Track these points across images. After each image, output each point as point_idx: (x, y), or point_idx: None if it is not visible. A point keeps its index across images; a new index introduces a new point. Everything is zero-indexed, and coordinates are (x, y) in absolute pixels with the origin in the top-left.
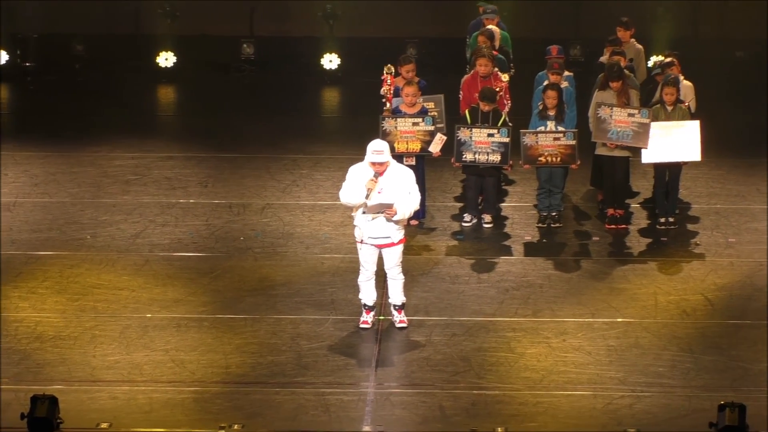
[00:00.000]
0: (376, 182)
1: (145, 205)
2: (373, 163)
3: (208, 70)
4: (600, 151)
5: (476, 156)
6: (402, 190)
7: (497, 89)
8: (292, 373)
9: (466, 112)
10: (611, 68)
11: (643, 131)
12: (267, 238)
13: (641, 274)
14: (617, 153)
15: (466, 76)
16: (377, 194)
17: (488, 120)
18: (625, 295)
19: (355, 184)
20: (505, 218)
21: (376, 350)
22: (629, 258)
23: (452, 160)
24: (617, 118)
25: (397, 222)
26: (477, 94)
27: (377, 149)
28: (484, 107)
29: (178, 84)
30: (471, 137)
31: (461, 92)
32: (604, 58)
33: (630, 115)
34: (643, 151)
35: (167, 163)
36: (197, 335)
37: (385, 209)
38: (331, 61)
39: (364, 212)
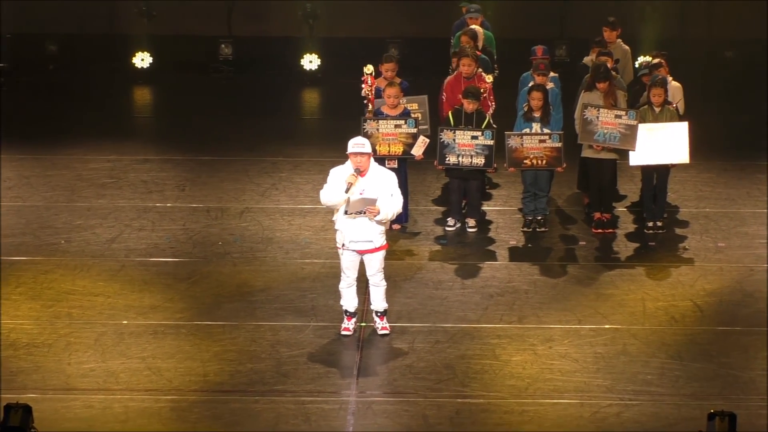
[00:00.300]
0: (357, 177)
1: (120, 209)
2: (355, 155)
3: (185, 70)
4: (586, 153)
5: (460, 159)
6: (384, 192)
7: (481, 90)
8: (271, 381)
9: (449, 113)
10: (598, 69)
11: (630, 133)
12: (246, 242)
13: (629, 279)
14: (604, 155)
15: (449, 77)
16: (359, 195)
17: (472, 122)
18: (613, 301)
19: (336, 184)
20: (490, 222)
21: (358, 358)
22: (616, 263)
23: (435, 162)
24: (604, 120)
25: (379, 222)
26: (460, 95)
27: (359, 142)
28: (469, 106)
29: (154, 85)
30: (454, 140)
31: (444, 93)
32: (588, 59)
33: (617, 116)
34: (630, 153)
35: (143, 166)
36: (174, 342)
37: (367, 207)
38: (311, 61)
39: (346, 211)
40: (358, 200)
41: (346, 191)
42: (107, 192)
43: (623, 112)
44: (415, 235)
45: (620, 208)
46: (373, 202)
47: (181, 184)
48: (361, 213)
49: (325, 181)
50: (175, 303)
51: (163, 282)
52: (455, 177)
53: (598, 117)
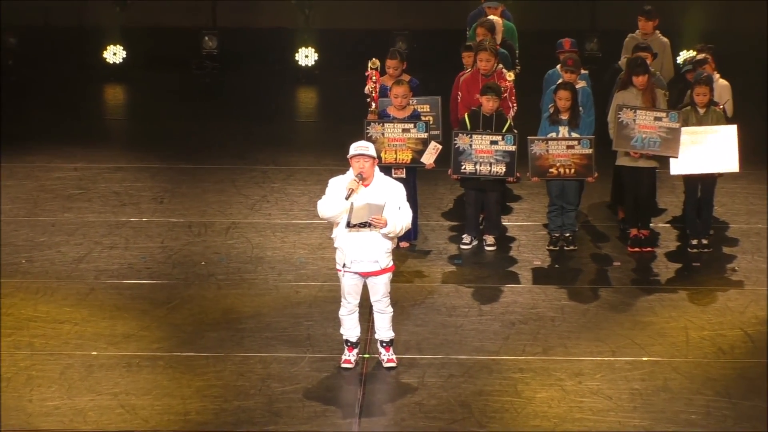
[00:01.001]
0: (359, 185)
1: (89, 224)
2: (357, 159)
3: (163, 67)
4: (622, 161)
5: (477, 167)
6: (391, 205)
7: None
8: (261, 420)
9: (465, 116)
10: (634, 62)
11: (672, 138)
12: (232, 262)
13: (670, 305)
14: (642, 163)
15: (464, 74)
16: (365, 201)
17: (491, 125)
18: (652, 329)
19: (336, 194)
20: (511, 240)
21: (361, 394)
22: (656, 287)
23: (449, 171)
24: (642, 123)
25: (386, 236)
26: (478, 95)
27: (362, 144)
28: (488, 104)
29: (128, 83)
30: (471, 145)
31: (459, 93)
32: (623, 62)
33: (657, 119)
34: (671, 160)
35: (116, 175)
36: (151, 376)
37: (373, 217)
38: (306, 56)
39: (348, 223)
40: (362, 207)
41: (347, 198)
42: (74, 205)
43: (664, 114)
44: (426, 254)
45: (660, 224)
46: (380, 209)
47: (159, 196)
48: (365, 225)
49: (323, 192)
50: (151, 331)
51: (138, 307)
52: (471, 188)
53: (635, 119)
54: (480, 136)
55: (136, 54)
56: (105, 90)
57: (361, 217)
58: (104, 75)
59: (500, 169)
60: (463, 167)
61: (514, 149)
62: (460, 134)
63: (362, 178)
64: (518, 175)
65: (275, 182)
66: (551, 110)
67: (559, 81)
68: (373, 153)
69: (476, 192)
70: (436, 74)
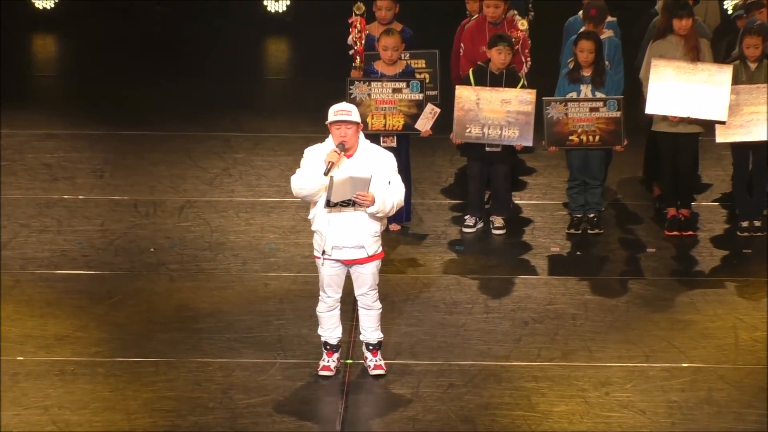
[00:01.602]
0: (341, 156)
1: (14, 202)
2: (338, 126)
3: (103, 13)
4: (659, 126)
5: (485, 130)
6: (380, 179)
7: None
8: None
9: (470, 72)
10: (676, 3)
11: (719, 98)
12: (187, 249)
13: (715, 300)
14: (683, 129)
15: (468, 23)
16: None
17: (501, 84)
18: (693, 330)
19: (313, 166)
20: (524, 222)
21: (342, 407)
22: (698, 278)
23: (451, 136)
24: (682, 80)
25: (373, 217)
26: (485, 47)
27: (343, 108)
28: (499, 58)
29: (61, 32)
30: (478, 104)
31: (462, 45)
32: (659, 5)
33: (702, 76)
34: (717, 126)
35: (46, 143)
36: (89, 386)
37: (357, 194)
38: (277, 1)
39: (328, 201)
40: (344, 181)
41: (326, 173)
42: None
43: (709, 69)
44: (421, 238)
45: (703, 203)
46: (365, 184)
47: (99, 169)
48: (348, 204)
49: (296, 164)
50: (89, 332)
51: (74, 303)
52: (476, 159)
53: (672, 75)
54: (489, 93)
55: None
56: (33, 41)
57: (342, 194)
58: (32, 23)
59: (513, 132)
60: (468, 130)
61: (530, 109)
62: (464, 91)
63: (344, 149)
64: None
65: (239, 152)
66: (571, 65)
67: (581, 30)
68: (357, 118)
69: (481, 164)
70: (434, 23)
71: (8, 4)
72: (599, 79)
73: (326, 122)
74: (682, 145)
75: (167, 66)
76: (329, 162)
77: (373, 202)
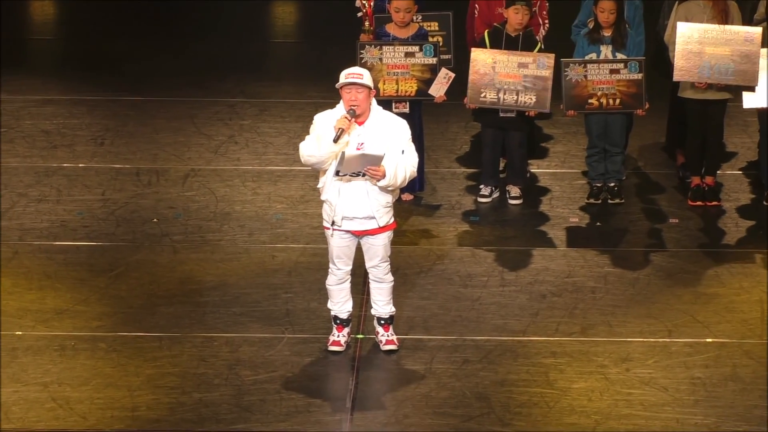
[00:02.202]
0: (351, 123)
1: (11, 171)
2: (348, 92)
3: None
4: (686, 93)
5: (501, 95)
6: (392, 147)
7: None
8: (228, 417)
9: (485, 34)
10: None
11: (749, 63)
12: (192, 219)
13: (741, 273)
14: (711, 95)
15: None
16: (354, 150)
17: (517, 47)
18: (718, 304)
19: (323, 133)
20: (541, 191)
21: (353, 384)
22: (723, 250)
23: (465, 100)
24: (710, 44)
25: (384, 190)
26: (501, 8)
27: (354, 71)
28: (515, 18)
29: None
30: (494, 68)
31: (476, 7)
32: None
33: (729, 39)
34: (744, 92)
35: (44, 109)
36: (90, 362)
37: (368, 167)
38: None
39: (337, 172)
40: (354, 157)
41: (336, 140)
42: None
43: (739, 32)
44: (435, 209)
45: (728, 171)
46: (377, 160)
47: (99, 136)
48: (358, 174)
49: (305, 132)
50: (90, 306)
51: (74, 276)
52: (490, 126)
53: (700, 40)
54: (506, 56)
55: None
56: (30, 3)
57: (352, 168)
58: None
59: (530, 98)
60: (483, 95)
61: (548, 74)
62: (479, 54)
63: (355, 115)
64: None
65: (245, 119)
66: (591, 25)
67: None
68: (369, 82)
69: (496, 130)
70: None
71: None
72: (620, 40)
73: (336, 85)
74: (711, 113)
75: (169, 29)
76: (339, 129)
77: (384, 176)
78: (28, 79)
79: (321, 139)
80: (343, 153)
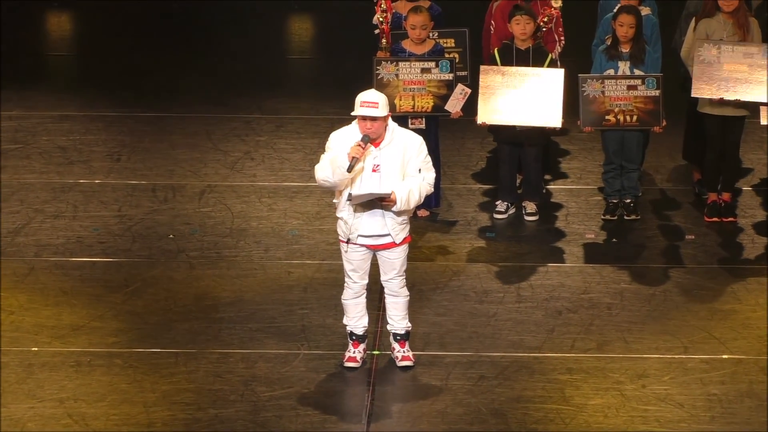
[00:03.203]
0: (365, 149)
1: (28, 187)
2: (363, 119)
3: None
4: (705, 108)
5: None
6: (409, 166)
7: (544, 19)
8: None
9: (495, 51)
10: None
11: (765, 79)
12: (208, 235)
13: (757, 289)
14: (729, 111)
15: (498, 1)
16: (371, 173)
17: (527, 61)
18: (734, 320)
19: (337, 155)
20: (557, 207)
21: (368, 400)
22: (740, 266)
23: (476, 118)
24: (728, 61)
25: (398, 213)
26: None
27: (369, 100)
28: (518, 30)
29: (75, 10)
30: (504, 85)
31: (492, 23)
32: None
33: (747, 55)
34: (762, 107)
35: (61, 125)
36: (106, 378)
37: (378, 197)
38: None
39: (349, 199)
40: (362, 195)
41: (350, 169)
42: (9, 163)
43: (756, 49)
44: (451, 225)
45: (744, 187)
46: (386, 196)
47: (116, 152)
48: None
49: (322, 148)
50: (106, 322)
51: (90, 292)
52: (506, 141)
53: (719, 56)
54: (517, 71)
55: None
56: (47, 18)
57: (362, 200)
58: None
59: (541, 115)
60: (494, 112)
61: (559, 89)
62: (490, 70)
63: (369, 140)
64: (562, 121)
65: (261, 135)
66: (608, 42)
67: (620, 4)
68: (384, 111)
69: (512, 146)
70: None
71: None
72: (639, 56)
73: (352, 113)
74: (729, 129)
75: (186, 43)
76: (353, 158)
77: (395, 203)
78: (44, 94)
79: (335, 164)
80: (350, 194)
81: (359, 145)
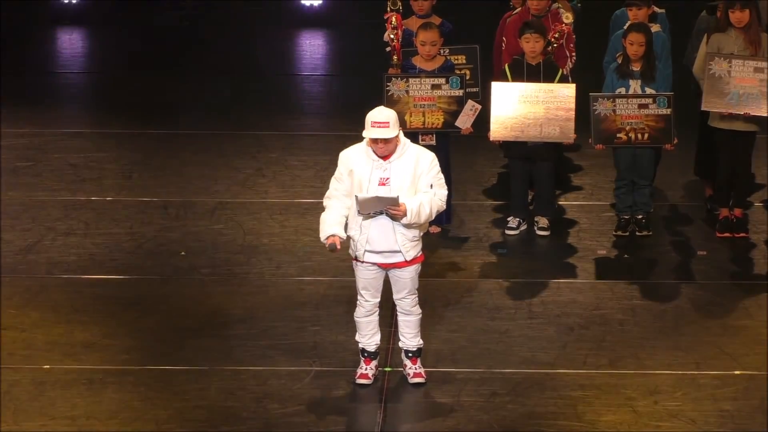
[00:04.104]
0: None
1: (40, 204)
2: (375, 142)
3: (130, 6)
4: (716, 123)
5: (524, 128)
6: (421, 181)
7: (555, 35)
8: None
9: (506, 67)
10: None
11: None
12: (219, 252)
13: None
14: (739, 126)
15: (510, 16)
16: (377, 186)
17: (538, 77)
18: (746, 336)
19: (343, 184)
20: (569, 223)
21: (380, 417)
22: (751, 281)
23: (488, 134)
24: (739, 75)
25: (409, 226)
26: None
27: (379, 120)
28: (529, 47)
29: (87, 27)
30: (516, 100)
31: (504, 40)
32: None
33: (758, 69)
34: None
35: (72, 142)
36: (117, 396)
37: (387, 207)
38: None
39: (359, 211)
40: (368, 199)
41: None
42: (21, 180)
43: (766, 63)
44: (462, 241)
45: (756, 203)
46: (393, 201)
47: (127, 170)
48: (382, 212)
49: (333, 164)
50: (118, 339)
51: (102, 309)
52: (517, 157)
53: (729, 71)
54: (528, 86)
55: None
56: (57, 36)
57: (370, 209)
58: (57, 17)
59: (553, 130)
60: (506, 128)
61: (570, 105)
62: (500, 85)
63: (336, 249)
64: (574, 136)
65: (273, 151)
66: (619, 60)
67: (630, 22)
68: (394, 131)
69: (524, 162)
70: (476, 16)
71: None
72: (650, 74)
73: (363, 134)
74: (739, 144)
75: (197, 60)
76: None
77: (405, 214)
78: (55, 112)
79: (330, 220)
80: (357, 197)
81: (333, 242)
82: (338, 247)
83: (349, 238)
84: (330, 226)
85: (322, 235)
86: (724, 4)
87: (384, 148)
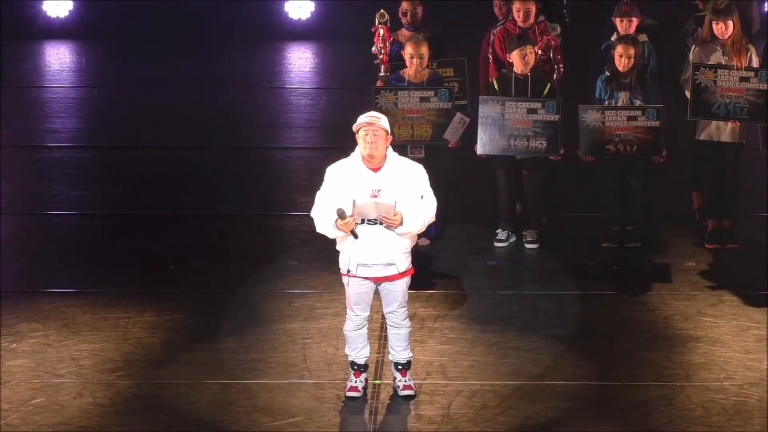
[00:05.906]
0: (354, 221)
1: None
2: (366, 130)
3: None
4: (702, 135)
5: (511, 142)
6: (410, 193)
7: (543, 47)
8: None
9: (494, 80)
10: (716, 6)
11: (763, 102)
12: (206, 265)
13: (761, 316)
14: (726, 137)
15: (496, 28)
16: (369, 198)
17: (526, 90)
18: (736, 347)
19: (330, 198)
20: (558, 235)
21: (371, 429)
22: (742, 293)
23: (476, 148)
24: (724, 85)
25: (402, 235)
26: (508, 54)
27: (373, 114)
28: (520, 63)
29: (77, 42)
30: (503, 114)
31: (490, 52)
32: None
33: (743, 79)
34: (761, 131)
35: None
36: (107, 410)
37: (382, 215)
38: (300, 6)
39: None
40: (365, 205)
41: (337, 224)
42: None
43: (751, 74)
44: (451, 253)
45: (745, 214)
46: (389, 208)
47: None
48: (376, 222)
49: (319, 182)
50: (107, 353)
51: (91, 323)
52: (505, 169)
53: (715, 81)
54: (513, 102)
55: (88, 4)
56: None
57: (365, 215)
58: (45, 31)
59: (540, 144)
60: (493, 142)
61: (557, 119)
62: (488, 101)
63: (345, 215)
64: (562, 150)
65: (257, 165)
66: (608, 72)
67: (620, 34)
68: (386, 124)
69: (511, 175)
70: (463, 29)
71: (19, 13)
72: (640, 85)
73: (354, 127)
74: (726, 156)
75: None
76: (341, 216)
77: (401, 224)
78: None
79: (328, 223)
80: (354, 202)
81: (347, 222)
82: (347, 213)
83: (338, 252)
84: (329, 208)
85: (328, 218)
86: (708, 16)
87: (375, 142)
